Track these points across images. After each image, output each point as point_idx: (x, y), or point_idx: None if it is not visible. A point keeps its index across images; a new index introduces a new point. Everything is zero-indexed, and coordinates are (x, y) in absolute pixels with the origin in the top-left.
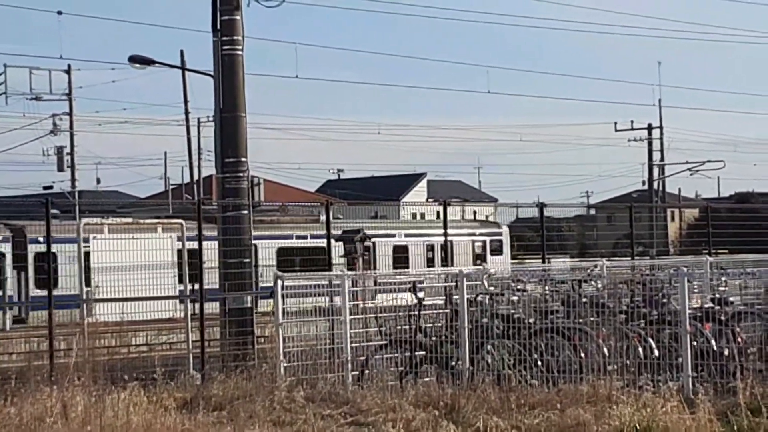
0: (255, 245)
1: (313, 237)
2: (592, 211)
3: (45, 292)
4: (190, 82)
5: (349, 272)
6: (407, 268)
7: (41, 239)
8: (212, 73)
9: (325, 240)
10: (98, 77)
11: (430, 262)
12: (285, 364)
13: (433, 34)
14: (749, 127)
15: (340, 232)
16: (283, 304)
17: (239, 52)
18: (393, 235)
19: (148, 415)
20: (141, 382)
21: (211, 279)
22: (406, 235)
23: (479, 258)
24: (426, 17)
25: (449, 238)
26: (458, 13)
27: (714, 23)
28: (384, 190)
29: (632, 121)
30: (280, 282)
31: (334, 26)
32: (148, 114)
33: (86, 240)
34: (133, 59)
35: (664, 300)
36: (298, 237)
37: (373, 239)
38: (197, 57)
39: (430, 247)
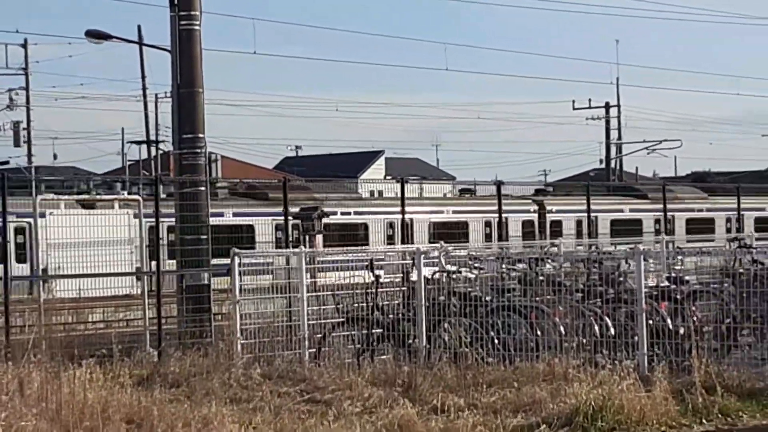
0: None
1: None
2: (550, 190)
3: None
4: (148, 58)
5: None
6: None
7: None
8: (170, 49)
9: None
10: (55, 52)
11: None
12: (242, 342)
13: (392, 11)
14: (706, 106)
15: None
16: (240, 281)
17: (197, 27)
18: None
19: (105, 392)
20: (98, 359)
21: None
22: None
23: None
24: None
25: None
26: None
27: (672, 1)
28: (342, 167)
29: (590, 100)
30: (237, 259)
31: (292, 2)
32: (106, 89)
33: (42, 216)
34: (90, 34)
35: (621, 279)
36: None
37: None
38: (155, 32)
39: None
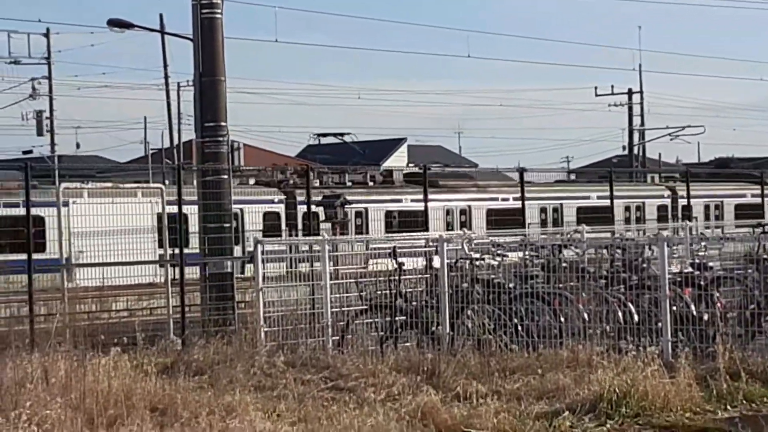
0: None
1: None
2: (572, 176)
3: None
4: (170, 46)
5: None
6: None
7: None
8: (191, 37)
9: None
10: (77, 41)
11: None
12: (265, 329)
13: None
14: (729, 92)
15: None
16: (264, 268)
17: (218, 16)
18: None
19: (129, 380)
20: (121, 348)
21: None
22: None
23: None
24: None
25: None
26: None
27: None
28: (365, 155)
29: (612, 86)
30: (260, 247)
31: None
32: (128, 78)
33: (65, 204)
34: (112, 23)
35: (644, 265)
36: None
37: None
38: (177, 20)
39: None
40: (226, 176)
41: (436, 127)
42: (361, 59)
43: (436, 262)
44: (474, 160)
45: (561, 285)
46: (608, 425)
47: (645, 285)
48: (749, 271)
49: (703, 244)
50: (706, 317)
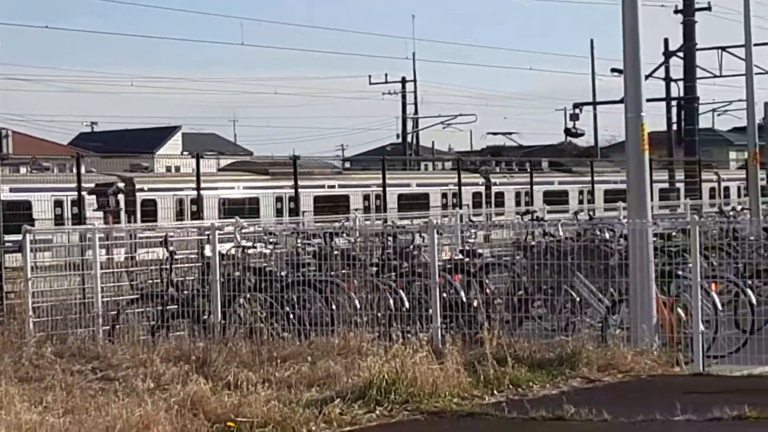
0: None
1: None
2: (347, 165)
3: None
4: None
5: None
6: None
7: None
8: None
9: None
10: None
11: None
12: (34, 320)
13: None
14: (500, 81)
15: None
16: (34, 258)
17: None
18: None
19: None
20: None
21: None
22: None
23: None
24: None
25: None
26: None
27: None
28: (138, 143)
29: (386, 75)
30: (28, 236)
31: None
32: None
33: None
34: None
35: (415, 252)
36: None
37: None
38: None
39: None
40: None
41: (211, 115)
42: (134, 46)
43: (208, 251)
44: (249, 149)
45: (333, 273)
46: (377, 412)
47: (416, 272)
48: (518, 257)
49: (473, 231)
50: (475, 303)
